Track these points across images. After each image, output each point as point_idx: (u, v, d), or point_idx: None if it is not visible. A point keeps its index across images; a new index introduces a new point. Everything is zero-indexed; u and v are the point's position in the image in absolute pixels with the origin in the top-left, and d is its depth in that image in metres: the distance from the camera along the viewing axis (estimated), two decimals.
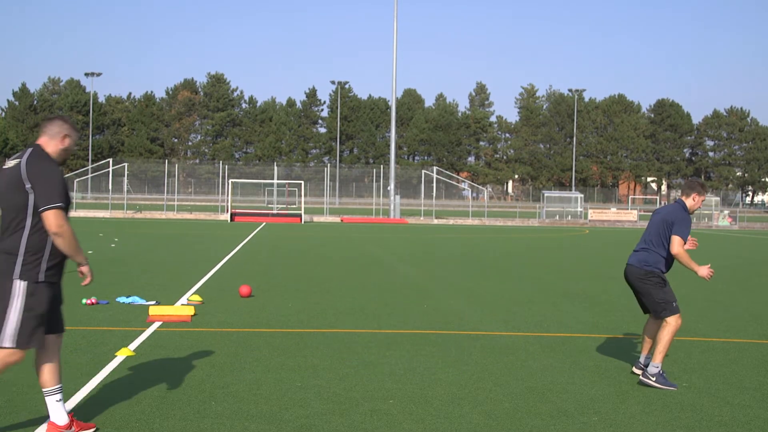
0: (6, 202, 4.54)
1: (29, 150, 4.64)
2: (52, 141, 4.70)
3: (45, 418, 5.08)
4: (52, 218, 4.46)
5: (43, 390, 4.75)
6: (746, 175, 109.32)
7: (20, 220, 4.49)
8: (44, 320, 4.59)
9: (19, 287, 4.48)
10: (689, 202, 6.77)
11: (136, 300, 10.34)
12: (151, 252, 19.26)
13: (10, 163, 4.63)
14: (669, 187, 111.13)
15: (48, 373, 4.71)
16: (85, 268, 4.86)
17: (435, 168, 58.23)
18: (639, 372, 6.75)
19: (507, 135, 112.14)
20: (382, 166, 59.41)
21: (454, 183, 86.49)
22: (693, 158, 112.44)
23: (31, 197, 4.47)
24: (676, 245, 6.51)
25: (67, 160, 4.86)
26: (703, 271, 6.61)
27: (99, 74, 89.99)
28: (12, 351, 4.50)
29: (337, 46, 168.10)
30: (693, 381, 6.66)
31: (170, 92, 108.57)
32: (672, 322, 6.55)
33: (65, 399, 5.55)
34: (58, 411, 4.74)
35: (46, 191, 4.47)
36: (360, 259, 18.42)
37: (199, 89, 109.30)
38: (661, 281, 6.63)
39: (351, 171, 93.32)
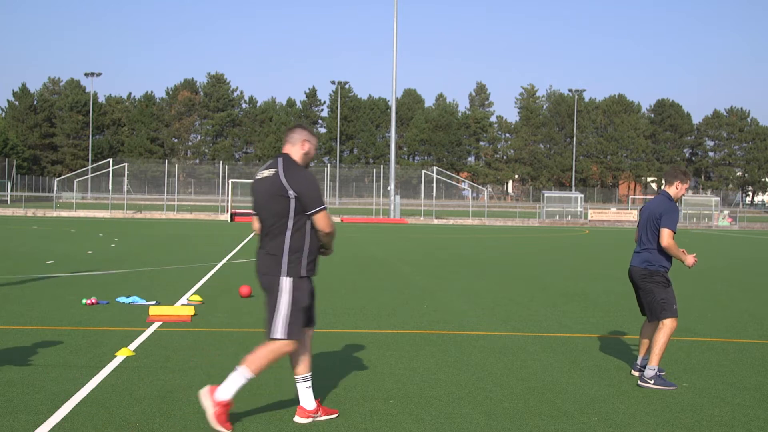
0: (267, 210, 5.06)
1: (280, 160, 5.10)
2: (294, 148, 5.16)
3: (44, 417, 5.12)
4: (323, 219, 5.04)
5: (296, 377, 5.25)
6: (746, 175, 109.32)
7: (282, 224, 4.99)
8: (307, 312, 5.11)
9: (286, 283, 4.98)
10: (672, 190, 6.77)
11: (136, 300, 10.34)
12: (151, 252, 19.26)
13: (264, 174, 5.12)
14: None
15: (302, 362, 5.19)
16: (329, 252, 5.30)
17: (435, 168, 58.23)
18: (637, 374, 6.75)
19: (507, 135, 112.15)
20: (382, 166, 59.40)
21: (454, 183, 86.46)
22: (693, 158, 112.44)
23: (293, 203, 4.96)
24: (666, 238, 6.51)
25: (309, 163, 5.25)
26: (690, 259, 6.67)
27: (99, 74, 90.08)
28: (286, 342, 4.99)
29: (337, 46, 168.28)
30: (693, 381, 6.66)
31: (170, 92, 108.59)
32: (668, 324, 6.55)
33: (65, 398, 5.56)
34: (308, 397, 5.22)
35: (312, 196, 4.98)
36: (360, 259, 18.42)
37: (199, 89, 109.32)
38: (665, 281, 6.63)
39: (351, 171, 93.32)
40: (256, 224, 5.34)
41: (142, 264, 15.88)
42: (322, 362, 7.00)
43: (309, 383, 5.24)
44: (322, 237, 5.10)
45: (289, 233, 4.99)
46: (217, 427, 4.91)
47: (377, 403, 5.69)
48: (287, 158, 5.12)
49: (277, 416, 5.32)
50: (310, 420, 5.19)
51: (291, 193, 4.95)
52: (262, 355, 5.00)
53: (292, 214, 4.98)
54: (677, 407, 5.83)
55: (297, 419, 5.21)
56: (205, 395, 4.97)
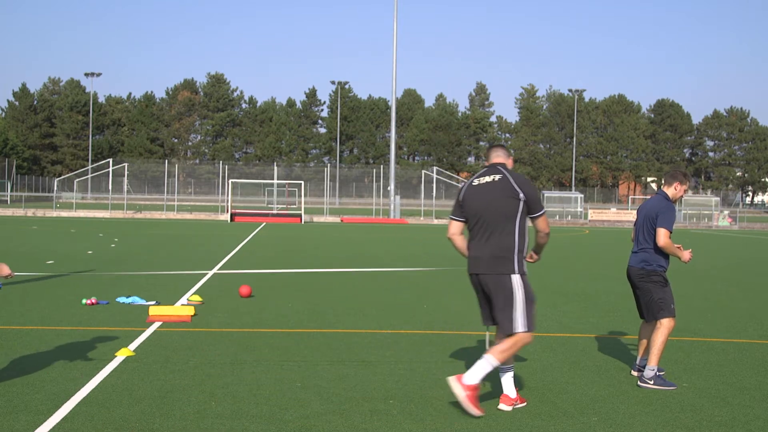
0: (495, 211, 5.48)
1: (500, 168, 5.65)
2: (508, 161, 5.78)
3: (44, 417, 5.13)
4: (545, 221, 5.63)
5: (501, 367, 5.57)
6: (746, 175, 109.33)
7: (510, 225, 5.46)
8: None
9: (517, 280, 5.44)
10: (671, 191, 6.77)
11: (136, 300, 10.34)
12: (151, 252, 19.26)
13: (486, 179, 5.63)
14: None
15: (506, 355, 5.49)
16: (539, 258, 5.98)
17: (435, 168, 58.23)
18: (637, 374, 6.75)
19: (507, 135, 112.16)
20: (382, 167, 59.39)
21: (454, 183, 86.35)
22: (693, 158, 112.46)
23: (521, 205, 5.47)
24: (662, 237, 6.52)
25: None
26: (686, 255, 6.69)
27: (99, 74, 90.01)
28: (528, 334, 5.44)
29: (337, 46, 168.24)
30: (693, 381, 6.66)
31: (170, 92, 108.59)
32: (666, 324, 6.55)
33: (65, 398, 5.56)
34: (511, 386, 5.61)
35: (537, 199, 5.56)
36: (360, 259, 18.42)
37: (199, 89, 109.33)
38: (663, 281, 6.63)
39: (351, 171, 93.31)
40: (455, 229, 5.80)
41: (142, 264, 15.88)
42: (322, 362, 7.01)
43: (512, 373, 5.63)
44: (542, 238, 5.72)
45: (516, 234, 5.48)
46: (471, 409, 5.34)
47: (377, 403, 5.69)
48: (505, 166, 5.69)
49: (277, 416, 5.32)
50: (511, 407, 5.56)
51: (521, 195, 5.47)
52: (507, 347, 5.44)
53: (519, 215, 5.48)
54: (677, 407, 5.83)
55: (501, 407, 5.56)
56: (453, 382, 5.40)
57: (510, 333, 5.42)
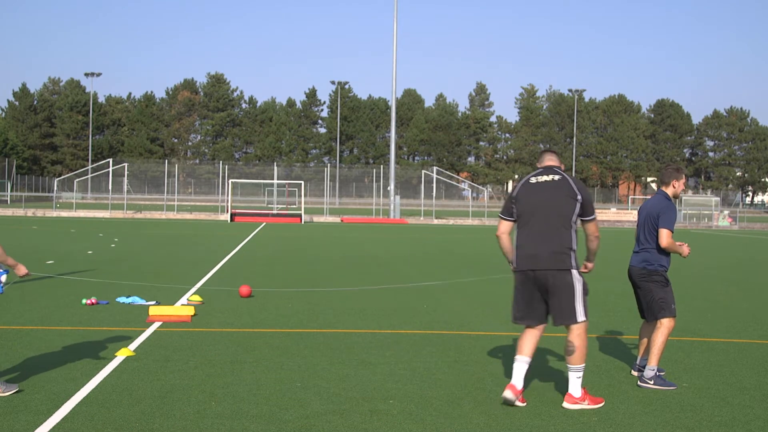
0: (554, 210, 5.73)
1: (557, 169, 5.90)
2: (562, 164, 6.05)
3: (44, 417, 5.14)
4: (595, 225, 5.94)
5: (568, 366, 5.74)
6: (746, 175, 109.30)
7: (567, 224, 5.73)
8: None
9: (576, 275, 5.75)
10: (670, 190, 6.78)
11: (136, 300, 10.34)
12: (151, 252, 19.25)
13: (545, 178, 5.86)
14: None
15: (578, 353, 5.71)
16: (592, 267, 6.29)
17: (435, 168, 58.19)
18: (637, 374, 6.75)
19: (507, 135, 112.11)
20: (382, 167, 59.36)
21: (454, 183, 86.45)
22: (693, 158, 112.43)
23: (578, 206, 5.76)
24: (665, 238, 6.52)
25: None
26: (685, 250, 6.72)
27: (99, 74, 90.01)
28: (587, 322, 5.75)
29: (337, 46, 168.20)
30: (693, 381, 6.66)
31: (170, 92, 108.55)
32: (666, 324, 6.55)
33: (65, 398, 5.56)
34: (576, 386, 5.70)
35: (592, 203, 5.88)
36: (360, 259, 18.42)
37: (199, 89, 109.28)
38: (664, 280, 6.63)
39: (351, 171, 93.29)
40: (505, 228, 5.99)
41: (142, 264, 15.88)
42: (322, 362, 7.01)
43: (580, 374, 5.71)
44: (593, 242, 6.04)
45: (573, 232, 5.76)
46: (595, 406, 5.66)
47: (377, 403, 5.69)
48: (560, 169, 5.96)
49: (277, 416, 5.32)
50: (578, 407, 5.65)
51: (579, 197, 5.76)
52: (580, 341, 5.68)
53: (575, 216, 5.77)
54: (677, 407, 5.83)
55: (566, 405, 5.68)
56: (570, 405, 5.66)
57: (573, 323, 5.69)
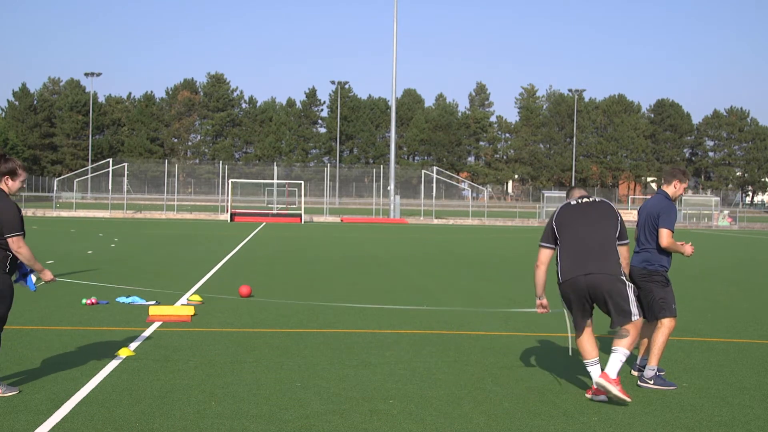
0: (604, 229, 6.09)
1: (589, 191, 6.36)
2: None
3: (44, 417, 5.14)
4: (628, 250, 6.31)
5: (617, 348, 5.96)
6: (746, 175, 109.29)
7: (613, 241, 6.09)
8: None
9: (626, 281, 6.06)
10: (671, 190, 6.77)
11: (136, 300, 10.34)
12: (151, 252, 19.26)
13: (588, 200, 6.25)
14: None
15: (630, 339, 5.99)
16: None
17: (435, 168, 58.20)
18: (637, 374, 6.75)
19: (507, 135, 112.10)
20: (382, 166, 59.36)
21: (454, 183, 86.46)
22: (693, 158, 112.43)
23: (618, 228, 6.15)
24: (665, 238, 6.52)
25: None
26: (688, 249, 6.72)
27: (99, 74, 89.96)
28: (641, 320, 6.10)
29: (337, 46, 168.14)
30: (693, 381, 6.66)
31: (170, 92, 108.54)
32: (667, 324, 6.55)
33: (65, 398, 5.56)
34: (616, 368, 5.89)
35: (626, 228, 6.23)
36: (360, 259, 18.42)
37: (199, 89, 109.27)
38: (665, 280, 6.63)
39: (351, 171, 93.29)
40: (545, 257, 6.27)
41: (142, 264, 15.88)
42: (322, 362, 7.01)
43: (623, 359, 5.93)
44: (625, 267, 6.27)
45: (617, 249, 6.11)
46: (625, 398, 5.74)
47: (377, 403, 5.69)
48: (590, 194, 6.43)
49: (277, 416, 5.32)
50: (609, 386, 5.77)
51: (619, 220, 6.20)
52: (633, 334, 5.98)
53: (616, 236, 6.13)
54: (677, 407, 5.83)
55: (599, 380, 5.85)
56: (603, 381, 5.77)
57: (629, 322, 5.94)
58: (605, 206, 6.22)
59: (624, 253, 6.19)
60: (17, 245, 5.67)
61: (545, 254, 6.24)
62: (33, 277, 6.06)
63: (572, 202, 6.23)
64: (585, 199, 6.25)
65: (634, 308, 5.99)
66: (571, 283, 6.04)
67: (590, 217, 6.14)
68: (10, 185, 5.82)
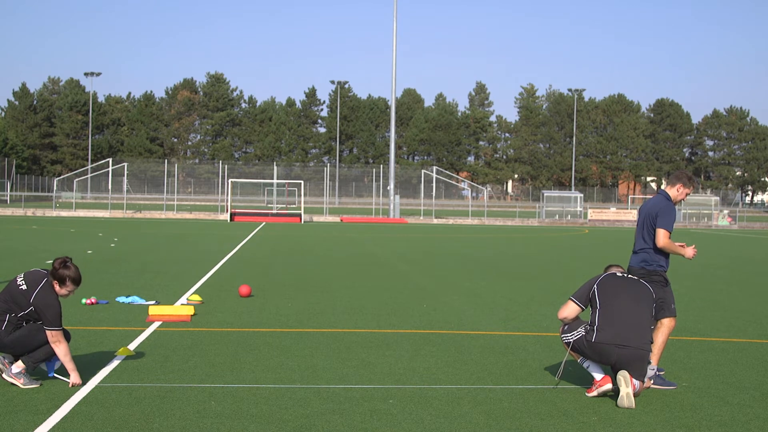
0: (638, 305, 6.19)
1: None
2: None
3: (44, 417, 5.13)
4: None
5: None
6: (746, 174, 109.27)
7: (650, 317, 6.25)
8: None
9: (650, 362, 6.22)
10: (673, 192, 6.76)
11: (136, 300, 10.34)
12: (151, 252, 19.25)
13: (628, 275, 6.44)
14: None
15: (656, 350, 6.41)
16: None
17: (435, 168, 58.20)
18: None
19: (507, 135, 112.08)
20: (381, 166, 59.33)
21: (453, 183, 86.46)
22: (693, 158, 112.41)
23: (655, 305, 6.38)
24: (661, 238, 6.52)
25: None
26: (689, 251, 6.70)
27: (99, 74, 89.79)
28: (675, 318, 6.60)
29: (337, 46, 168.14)
30: (693, 381, 6.66)
31: (170, 92, 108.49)
32: (666, 324, 6.55)
33: (65, 398, 5.57)
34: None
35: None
36: (360, 258, 18.41)
37: (199, 89, 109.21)
38: (663, 281, 6.63)
39: (351, 171, 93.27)
40: (572, 312, 6.30)
41: (141, 264, 15.87)
42: (322, 362, 7.01)
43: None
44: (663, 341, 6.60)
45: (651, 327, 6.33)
46: (632, 400, 5.75)
47: (377, 403, 5.69)
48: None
49: (277, 416, 5.32)
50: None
51: (655, 296, 6.40)
52: (665, 335, 6.48)
53: (653, 315, 6.36)
54: (677, 407, 5.83)
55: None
56: (621, 376, 5.84)
57: (641, 379, 6.05)
58: (646, 287, 6.36)
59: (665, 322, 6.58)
60: (56, 339, 5.93)
61: (574, 309, 6.27)
62: (56, 365, 6.13)
63: (617, 273, 6.38)
64: (627, 275, 6.44)
65: (673, 307, 6.56)
66: (603, 348, 5.99)
67: (634, 293, 6.24)
68: (57, 289, 6.10)
